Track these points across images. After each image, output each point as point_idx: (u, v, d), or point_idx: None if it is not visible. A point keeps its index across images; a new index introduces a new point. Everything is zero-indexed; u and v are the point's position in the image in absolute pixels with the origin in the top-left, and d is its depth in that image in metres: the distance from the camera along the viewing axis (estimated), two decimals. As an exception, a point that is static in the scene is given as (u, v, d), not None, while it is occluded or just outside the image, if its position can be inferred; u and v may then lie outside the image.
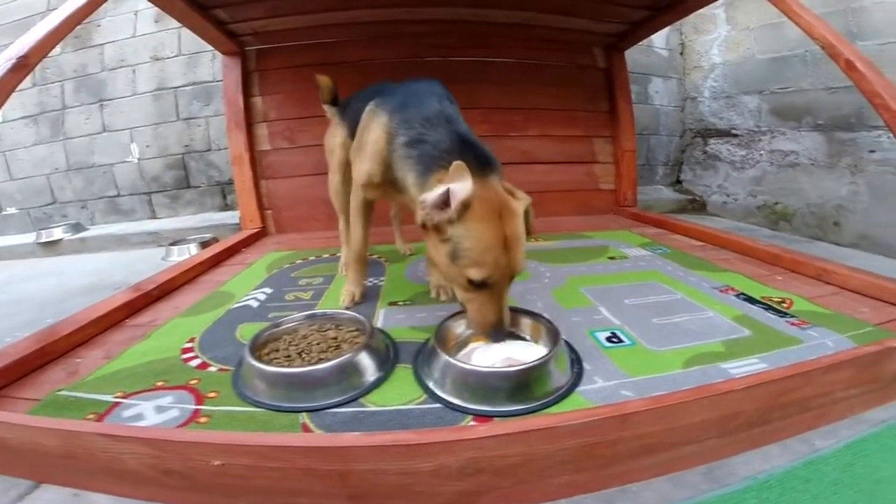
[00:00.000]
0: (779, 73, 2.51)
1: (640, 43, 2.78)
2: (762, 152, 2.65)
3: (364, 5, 2.17)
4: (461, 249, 0.84)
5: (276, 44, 2.40)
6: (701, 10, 2.89)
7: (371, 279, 1.53)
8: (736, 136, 2.85)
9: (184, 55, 2.99)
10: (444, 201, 0.81)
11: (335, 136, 1.58)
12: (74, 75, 3.06)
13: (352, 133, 1.38)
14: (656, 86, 3.27)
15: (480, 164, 0.89)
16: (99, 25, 3.03)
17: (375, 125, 1.08)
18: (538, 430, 0.57)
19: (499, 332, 0.89)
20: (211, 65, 2.94)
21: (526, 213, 0.91)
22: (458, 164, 0.80)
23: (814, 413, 0.74)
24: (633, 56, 2.94)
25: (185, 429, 0.74)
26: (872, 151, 2.05)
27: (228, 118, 2.36)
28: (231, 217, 2.68)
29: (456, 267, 0.86)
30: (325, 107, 1.68)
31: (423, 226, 0.89)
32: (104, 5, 2.91)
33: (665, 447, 0.61)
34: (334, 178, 1.60)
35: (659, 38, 3.24)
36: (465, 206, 0.81)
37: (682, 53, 3.28)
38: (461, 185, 0.80)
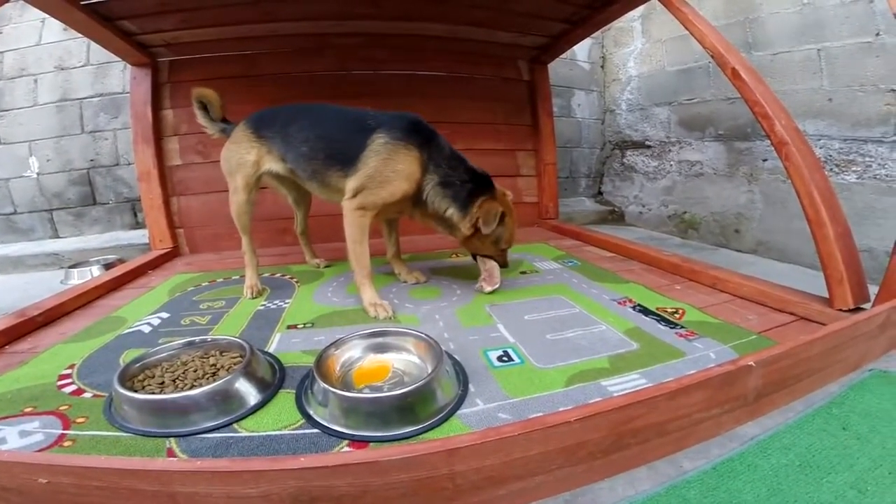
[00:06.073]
0: (685, 85, 2.65)
1: (564, 56, 2.88)
2: (672, 163, 2.78)
3: (285, 18, 2.12)
4: (500, 239, 1.46)
5: (190, 55, 2.30)
6: (620, 24, 3.04)
7: (276, 301, 1.48)
8: (649, 147, 2.97)
9: (92, 65, 2.81)
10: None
11: (246, 152, 1.52)
12: (-32, 85, 2.81)
13: (282, 156, 1.51)
14: (579, 99, 3.38)
15: (490, 186, 1.44)
16: (0, 33, 2.80)
17: (407, 158, 1.37)
18: (361, 463, 0.56)
19: (506, 264, 1.57)
20: (121, 75, 2.77)
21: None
22: (490, 199, 1.41)
23: (675, 436, 0.75)
24: (557, 69, 3.04)
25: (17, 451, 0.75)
26: (765, 160, 2.21)
27: (135, 132, 2.23)
28: (142, 236, 2.52)
29: (496, 247, 1.48)
30: (208, 123, 1.63)
31: (470, 235, 1.44)
32: (9, 13, 2.75)
33: (510, 479, 0.60)
34: (239, 198, 1.55)
35: (581, 52, 3.35)
36: (502, 218, 1.41)
37: (602, 66, 3.41)
38: (497, 211, 1.39)
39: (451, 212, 1.41)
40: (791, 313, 1.24)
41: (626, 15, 2.34)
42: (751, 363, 0.80)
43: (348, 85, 2.46)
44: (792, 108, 1.36)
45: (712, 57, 1.46)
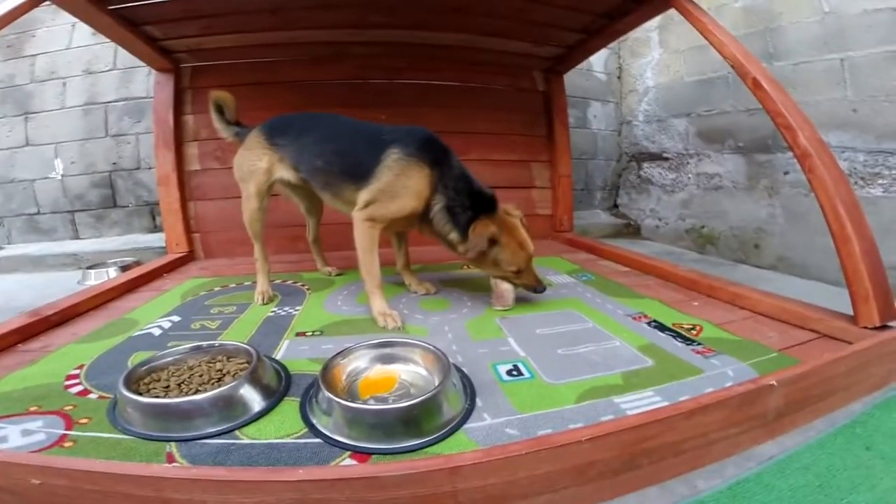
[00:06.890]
0: (704, 96, 2.60)
1: (580, 67, 2.85)
2: (690, 175, 2.73)
3: (305, 26, 2.15)
4: (500, 261, 1.38)
5: (212, 61, 2.34)
6: (637, 34, 3.01)
7: (286, 308, 1.47)
8: (666, 159, 2.92)
9: (118, 69, 2.88)
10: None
11: (258, 159, 1.54)
12: (1, 86, 2.90)
13: (295, 166, 1.52)
14: (595, 110, 3.35)
15: (489, 207, 1.39)
16: (34, 36, 2.89)
17: (419, 175, 1.37)
18: (360, 478, 0.55)
19: (539, 289, 1.42)
20: (146, 80, 2.83)
21: (521, 221, 1.44)
22: (485, 222, 1.35)
23: (690, 455, 0.73)
24: (573, 80, 3.02)
25: (18, 451, 0.74)
26: (787, 173, 2.15)
27: (156, 136, 2.27)
28: (159, 239, 2.55)
29: (500, 269, 1.40)
30: (223, 126, 1.66)
31: (464, 254, 1.42)
32: (42, 16, 2.83)
33: (515, 498, 0.58)
34: (251, 205, 1.56)
35: (598, 62, 3.32)
36: (494, 241, 1.35)
37: (619, 77, 3.37)
38: (485, 234, 1.33)
39: (453, 235, 1.42)
40: (813, 330, 1.20)
41: (643, 25, 2.32)
42: (773, 382, 0.77)
43: (365, 93, 2.48)
44: (815, 120, 1.31)
45: (733, 67, 1.43)
